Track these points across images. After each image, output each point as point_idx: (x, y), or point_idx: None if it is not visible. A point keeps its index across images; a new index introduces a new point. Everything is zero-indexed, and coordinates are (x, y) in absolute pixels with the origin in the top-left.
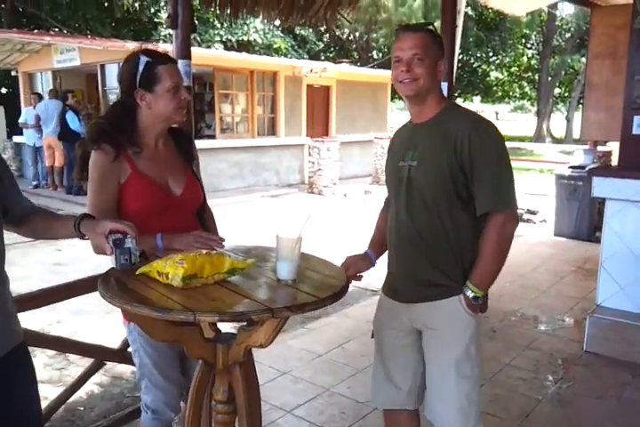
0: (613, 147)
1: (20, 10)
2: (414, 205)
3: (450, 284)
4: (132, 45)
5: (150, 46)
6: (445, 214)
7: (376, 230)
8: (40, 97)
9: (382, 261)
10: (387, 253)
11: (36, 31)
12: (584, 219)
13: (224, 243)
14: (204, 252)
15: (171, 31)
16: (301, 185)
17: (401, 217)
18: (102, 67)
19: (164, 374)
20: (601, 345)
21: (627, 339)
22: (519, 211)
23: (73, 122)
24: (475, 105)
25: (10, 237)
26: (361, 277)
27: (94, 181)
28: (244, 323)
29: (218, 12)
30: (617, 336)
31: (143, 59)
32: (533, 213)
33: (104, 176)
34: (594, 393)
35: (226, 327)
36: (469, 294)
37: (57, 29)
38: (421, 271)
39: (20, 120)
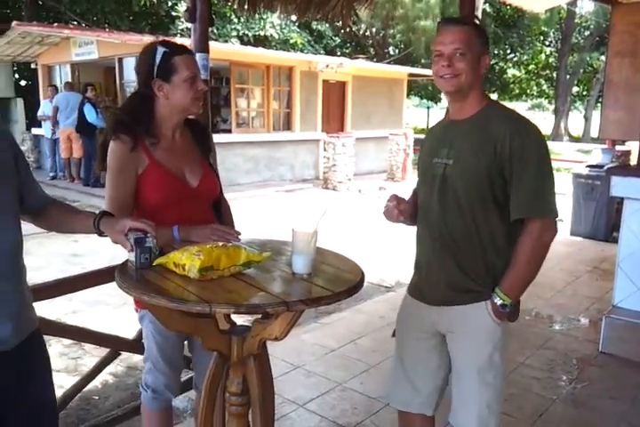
0: (632, 146)
1: (40, 3)
2: (448, 206)
3: (478, 289)
4: (149, 39)
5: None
6: (480, 218)
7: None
8: (57, 89)
9: (401, 260)
10: (415, 251)
11: (55, 24)
12: (601, 218)
13: (240, 237)
14: (221, 244)
15: (188, 25)
16: (316, 180)
17: (433, 217)
18: (120, 60)
19: (168, 360)
20: (616, 346)
21: None
22: None
23: (90, 115)
24: None
25: (26, 227)
26: (400, 215)
27: (112, 172)
28: (259, 316)
29: (236, 6)
30: (633, 337)
31: (160, 49)
32: None
33: (122, 166)
34: (608, 394)
35: (240, 320)
36: (497, 301)
37: (75, 23)
38: (450, 275)
39: (39, 113)
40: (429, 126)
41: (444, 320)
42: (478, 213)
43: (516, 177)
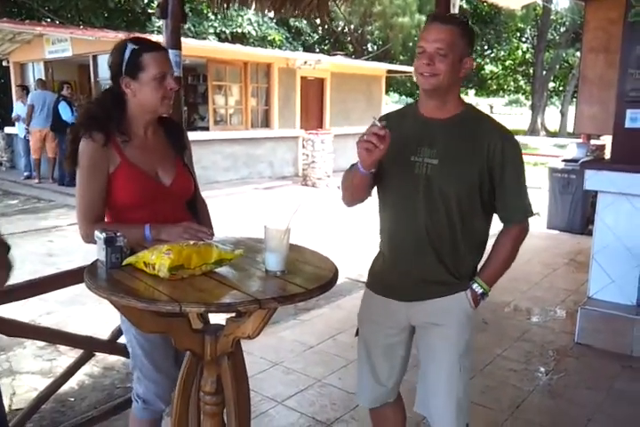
0: (606, 140)
1: None
2: (434, 206)
3: (456, 282)
4: (124, 36)
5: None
6: (466, 218)
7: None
8: (27, 89)
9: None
10: (385, 249)
11: (27, 21)
12: (577, 212)
13: (214, 235)
14: (192, 242)
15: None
16: (295, 177)
17: (415, 217)
18: (95, 57)
19: (156, 365)
20: (592, 337)
21: (617, 331)
22: None
23: (65, 113)
24: (469, 98)
25: (3, 228)
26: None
27: (84, 169)
28: (233, 314)
29: (209, 1)
30: (608, 328)
31: (130, 46)
32: None
33: (94, 164)
34: (584, 384)
35: (218, 319)
36: (478, 289)
37: (49, 20)
38: (433, 272)
39: (13, 115)
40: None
41: (420, 314)
42: (465, 212)
43: (506, 184)
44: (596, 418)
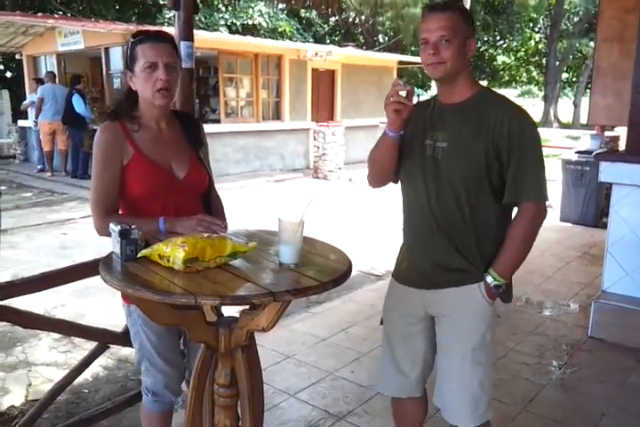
0: (621, 132)
1: None
2: (442, 189)
3: (472, 269)
4: (135, 28)
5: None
6: (474, 200)
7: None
8: (41, 82)
9: (391, 248)
10: (403, 236)
11: (39, 14)
12: (590, 204)
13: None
14: (206, 235)
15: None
16: (306, 170)
17: (425, 201)
18: (107, 50)
19: (164, 356)
20: (605, 331)
21: (631, 324)
22: None
23: (79, 105)
24: None
25: (15, 220)
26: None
27: (98, 162)
28: (247, 307)
29: None
30: (622, 322)
31: (130, 39)
32: None
33: (108, 154)
34: (597, 378)
35: (231, 312)
36: (491, 282)
37: (60, 12)
38: (447, 256)
39: (26, 102)
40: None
41: (436, 303)
42: (473, 196)
43: (515, 161)
44: (609, 412)
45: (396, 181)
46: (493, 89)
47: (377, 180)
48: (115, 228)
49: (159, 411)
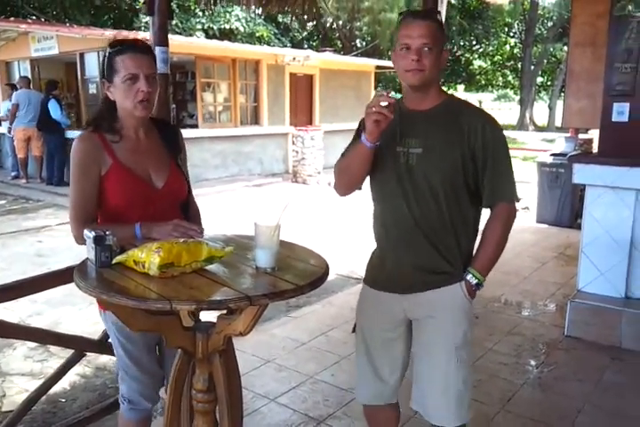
0: (594, 134)
1: None
2: (420, 195)
3: (452, 270)
4: (111, 33)
5: (131, 35)
6: (453, 204)
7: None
8: (14, 87)
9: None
10: (378, 242)
11: (12, 19)
12: (566, 206)
13: (204, 232)
14: (181, 240)
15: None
16: (285, 174)
17: (403, 205)
18: (81, 55)
19: (138, 363)
20: (581, 329)
21: (606, 323)
22: None
23: (55, 111)
24: (458, 94)
25: None
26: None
27: (76, 171)
28: (224, 311)
29: None
30: (597, 320)
31: (108, 49)
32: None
33: (85, 164)
34: (574, 376)
35: (209, 317)
36: (472, 280)
37: (34, 17)
38: (428, 260)
39: (1, 115)
40: None
41: (418, 307)
42: (451, 199)
43: (490, 166)
44: (585, 410)
45: (361, 188)
46: (470, 93)
47: (347, 188)
48: (89, 234)
49: (136, 419)
